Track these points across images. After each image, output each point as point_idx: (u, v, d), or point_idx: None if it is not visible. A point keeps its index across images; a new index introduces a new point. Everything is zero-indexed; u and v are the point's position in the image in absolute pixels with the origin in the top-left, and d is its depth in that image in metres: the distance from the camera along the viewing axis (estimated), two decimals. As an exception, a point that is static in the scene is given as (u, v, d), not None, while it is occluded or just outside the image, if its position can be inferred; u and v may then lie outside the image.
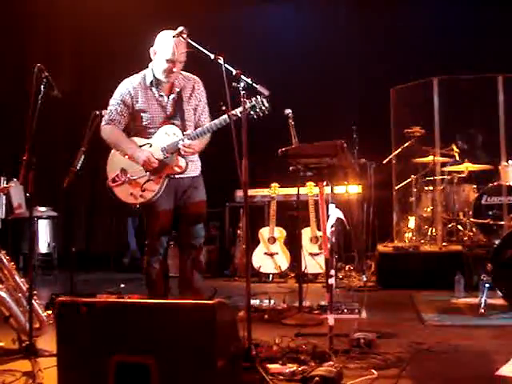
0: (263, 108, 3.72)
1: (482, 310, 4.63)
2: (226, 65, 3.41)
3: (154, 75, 4.14)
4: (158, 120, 4.15)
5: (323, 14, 8.26)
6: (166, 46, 4.01)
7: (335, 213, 3.45)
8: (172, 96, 4.18)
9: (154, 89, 4.15)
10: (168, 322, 2.56)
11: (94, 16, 8.15)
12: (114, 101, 4.18)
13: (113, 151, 4.21)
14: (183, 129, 4.11)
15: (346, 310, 4.75)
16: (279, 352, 3.44)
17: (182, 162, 4.08)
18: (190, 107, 4.22)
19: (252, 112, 3.71)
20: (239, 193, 7.23)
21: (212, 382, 2.48)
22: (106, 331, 2.61)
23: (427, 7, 7.98)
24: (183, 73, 4.23)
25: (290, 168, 3.92)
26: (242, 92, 3.35)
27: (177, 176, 4.14)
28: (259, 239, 6.80)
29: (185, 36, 3.67)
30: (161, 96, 4.16)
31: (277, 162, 3.71)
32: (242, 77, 3.34)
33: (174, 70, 4.05)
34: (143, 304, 2.76)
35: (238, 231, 7.22)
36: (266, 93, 3.43)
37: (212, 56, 3.48)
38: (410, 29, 7.85)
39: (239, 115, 3.63)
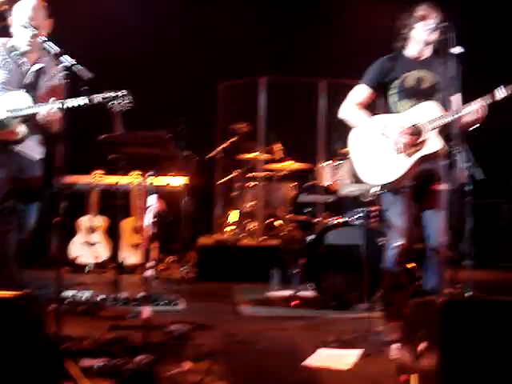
0: (124, 102, 3.59)
1: (294, 303, 4.85)
2: (49, 43, 3.23)
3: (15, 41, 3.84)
4: (16, 85, 3.81)
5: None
6: (22, 10, 3.75)
7: (156, 203, 3.40)
8: (35, 67, 3.87)
9: (14, 53, 3.84)
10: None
11: None
12: None
13: None
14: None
15: (163, 302, 4.72)
16: (91, 346, 3.34)
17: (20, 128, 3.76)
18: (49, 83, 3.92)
19: (112, 103, 3.56)
20: (58, 179, 6.87)
21: (19, 378, 2.34)
22: None
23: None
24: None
25: (110, 156, 3.80)
26: (65, 72, 3.19)
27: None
28: (78, 228, 6.55)
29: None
30: (22, 63, 3.84)
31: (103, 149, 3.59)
32: (64, 57, 3.18)
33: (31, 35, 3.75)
34: None
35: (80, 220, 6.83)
36: (87, 76, 3.29)
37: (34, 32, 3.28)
38: (244, 27, 7.98)
39: (101, 100, 3.48)
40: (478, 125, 3.64)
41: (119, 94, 3.59)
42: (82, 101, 3.52)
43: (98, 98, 3.56)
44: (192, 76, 7.63)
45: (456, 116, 3.54)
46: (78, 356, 3.13)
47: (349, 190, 5.48)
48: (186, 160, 6.53)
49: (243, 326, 4.23)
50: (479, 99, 3.59)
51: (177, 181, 6.73)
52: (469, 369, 2.59)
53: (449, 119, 3.60)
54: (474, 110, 3.57)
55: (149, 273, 3.40)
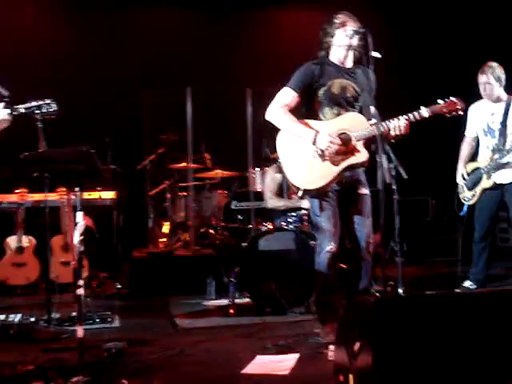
0: (50, 110, 3.51)
1: (231, 311, 4.85)
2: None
3: None
4: None
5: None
6: None
7: (83, 220, 3.34)
8: None
9: None
10: None
11: None
12: None
13: None
14: None
15: (98, 320, 4.64)
16: (24, 370, 3.24)
17: None
18: None
19: (37, 112, 3.48)
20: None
21: None
22: None
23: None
24: None
25: (34, 174, 3.72)
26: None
27: None
28: (6, 248, 6.34)
29: None
30: None
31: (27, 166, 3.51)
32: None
33: None
34: None
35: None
36: (4, 94, 3.22)
37: None
38: (169, 40, 7.98)
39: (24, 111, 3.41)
40: (400, 139, 3.78)
41: (43, 102, 3.52)
42: (4, 112, 3.43)
43: (21, 108, 3.48)
44: (116, 88, 7.55)
45: (382, 130, 3.64)
46: (12, 382, 3.04)
47: (276, 205, 5.57)
48: (112, 174, 6.43)
49: (180, 339, 4.20)
50: (404, 116, 3.73)
51: (105, 195, 6.61)
52: (403, 365, 2.65)
53: (375, 132, 3.70)
54: (398, 126, 3.70)
55: (81, 291, 3.33)
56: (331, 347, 3.48)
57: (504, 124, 4.95)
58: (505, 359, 2.71)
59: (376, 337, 2.65)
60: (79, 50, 7.66)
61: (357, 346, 2.80)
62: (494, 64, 5.05)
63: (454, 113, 3.73)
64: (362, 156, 3.78)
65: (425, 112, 3.71)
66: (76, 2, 7.86)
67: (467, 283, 5.34)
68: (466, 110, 3.97)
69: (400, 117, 3.73)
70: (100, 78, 7.61)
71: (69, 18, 7.83)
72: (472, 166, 5.21)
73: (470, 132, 5.27)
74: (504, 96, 5.06)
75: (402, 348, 2.67)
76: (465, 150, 5.29)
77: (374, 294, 4.64)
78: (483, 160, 5.11)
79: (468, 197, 5.21)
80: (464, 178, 5.21)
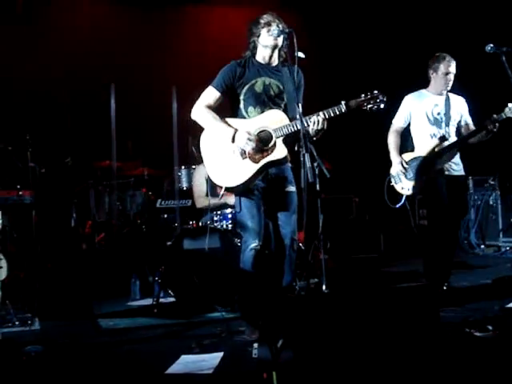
0: None
1: (155, 311, 4.81)
2: None
3: None
4: None
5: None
6: None
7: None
8: None
9: None
10: None
11: None
12: None
13: None
14: None
15: (17, 323, 4.49)
16: None
17: None
18: None
19: None
20: None
21: None
22: None
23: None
24: None
25: None
26: None
27: None
28: None
29: None
30: None
31: None
32: None
33: None
34: None
35: None
36: None
37: None
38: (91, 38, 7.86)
39: None
40: (319, 136, 3.81)
41: None
42: None
43: None
44: (36, 85, 7.36)
45: (299, 127, 3.66)
46: None
47: (205, 204, 5.54)
48: (31, 172, 6.22)
49: (103, 340, 4.13)
50: (324, 111, 3.77)
51: (25, 194, 6.37)
52: (324, 360, 2.71)
53: (294, 129, 3.74)
54: (317, 120, 3.75)
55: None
56: (255, 345, 3.50)
57: (448, 115, 4.94)
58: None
59: (297, 333, 2.69)
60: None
61: (280, 343, 2.84)
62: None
63: (375, 106, 3.77)
64: (280, 153, 3.82)
65: (344, 106, 3.74)
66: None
67: None
68: (389, 103, 3.95)
69: (319, 112, 3.78)
70: (21, 74, 7.41)
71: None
72: (410, 155, 5.04)
73: (399, 121, 5.11)
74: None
75: (323, 343, 2.72)
76: (395, 139, 5.12)
77: (298, 290, 4.70)
78: (427, 149, 4.97)
79: (408, 187, 5.01)
80: (404, 167, 5.01)
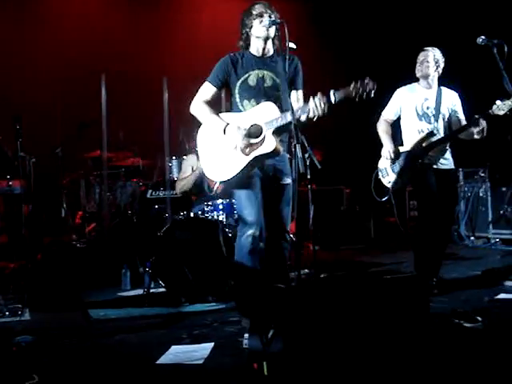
0: None
1: (146, 301, 4.80)
2: None
3: None
4: None
5: None
6: None
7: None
8: None
9: None
10: None
11: None
12: None
13: None
14: None
15: (7, 313, 4.48)
16: None
17: None
18: None
19: None
20: None
21: None
22: None
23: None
24: None
25: None
26: None
27: None
28: None
29: None
30: None
31: None
32: None
33: None
34: None
35: None
36: None
37: None
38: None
39: None
40: (316, 118, 3.75)
41: None
42: None
43: None
44: (28, 73, 7.31)
45: (290, 119, 3.62)
46: None
47: (180, 186, 5.60)
48: (21, 161, 6.19)
49: (94, 331, 4.13)
50: (315, 99, 3.70)
51: (15, 184, 6.35)
52: (314, 350, 2.72)
53: (284, 121, 3.72)
54: (311, 108, 3.69)
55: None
56: (246, 335, 3.51)
57: (438, 110, 4.92)
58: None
59: (288, 323, 2.69)
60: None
61: (270, 333, 2.85)
62: (436, 48, 5.02)
63: (365, 93, 3.67)
64: (270, 146, 3.79)
65: (332, 96, 3.63)
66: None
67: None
68: (381, 92, 3.90)
69: (310, 98, 3.69)
70: (13, 63, 7.38)
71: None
72: (399, 149, 4.98)
73: (389, 114, 5.09)
74: (435, 83, 5.00)
75: (313, 333, 2.74)
76: (385, 127, 5.05)
77: (290, 280, 4.70)
78: (413, 142, 4.92)
79: (393, 181, 5.00)
80: (392, 160, 4.96)
